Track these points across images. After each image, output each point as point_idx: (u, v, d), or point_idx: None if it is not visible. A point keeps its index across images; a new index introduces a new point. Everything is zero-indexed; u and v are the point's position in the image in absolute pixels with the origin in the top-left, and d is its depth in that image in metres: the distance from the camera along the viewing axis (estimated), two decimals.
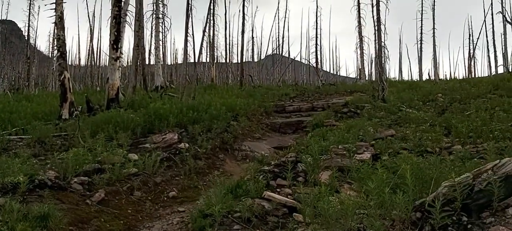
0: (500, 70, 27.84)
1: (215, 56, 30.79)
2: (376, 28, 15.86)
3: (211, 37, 29.22)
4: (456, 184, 3.29)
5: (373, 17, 16.76)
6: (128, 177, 6.19)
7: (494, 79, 17.79)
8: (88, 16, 31.09)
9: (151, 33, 24.70)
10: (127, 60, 32.40)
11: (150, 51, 26.47)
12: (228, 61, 32.71)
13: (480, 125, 7.84)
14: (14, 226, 3.82)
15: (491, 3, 26.42)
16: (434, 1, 28.92)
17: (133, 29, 18.44)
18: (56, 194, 5.06)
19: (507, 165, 3.35)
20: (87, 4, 36.22)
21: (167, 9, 22.60)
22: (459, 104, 11.60)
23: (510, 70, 22.25)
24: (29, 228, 3.85)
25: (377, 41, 15.81)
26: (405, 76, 36.60)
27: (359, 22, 25.26)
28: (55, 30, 12.15)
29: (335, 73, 44.72)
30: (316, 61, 29.79)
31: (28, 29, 28.90)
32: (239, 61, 27.02)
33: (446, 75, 34.82)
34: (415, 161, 4.75)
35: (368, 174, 4.49)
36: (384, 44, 15.76)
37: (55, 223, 4.13)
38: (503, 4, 26.16)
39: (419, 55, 31.06)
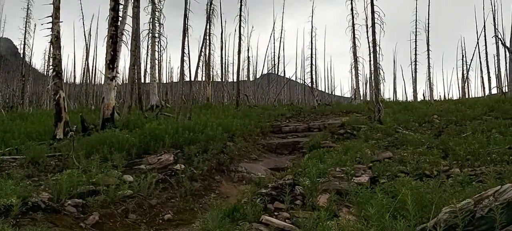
0: (494, 91, 28.13)
1: (211, 75, 30.87)
2: (371, 49, 15.95)
3: (207, 56, 29.33)
4: (458, 210, 3.24)
5: (367, 38, 16.90)
6: (123, 199, 6.12)
7: (489, 100, 17.89)
8: (84, 34, 31.27)
9: (147, 52, 24.79)
10: (123, 78, 32.52)
11: (146, 70, 26.54)
12: (224, 80, 32.85)
13: (478, 147, 7.80)
14: None
15: (484, 26, 26.86)
16: (428, 23, 29.26)
17: (129, 48, 18.52)
18: (50, 216, 4.98)
19: (509, 191, 3.30)
20: (83, 22, 36.15)
21: (163, 28, 22.70)
22: (456, 126, 11.64)
23: (504, 92, 22.45)
24: None
25: (372, 62, 15.89)
26: (400, 97, 36.88)
27: (354, 43, 25.46)
28: (51, 49, 12.10)
29: (330, 93, 45.04)
30: (311, 81, 29.89)
31: (24, 47, 29.22)
32: (235, 81, 27.10)
33: (440, 96, 35.16)
34: (414, 185, 4.69)
35: (367, 198, 4.44)
36: (379, 65, 15.86)
37: None
38: (496, 26, 26.60)
39: (414, 76, 31.33)
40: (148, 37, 22.42)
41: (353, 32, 25.24)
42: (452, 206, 3.32)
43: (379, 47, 15.73)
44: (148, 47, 23.79)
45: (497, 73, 28.70)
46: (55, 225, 4.82)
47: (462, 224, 3.19)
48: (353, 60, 26.47)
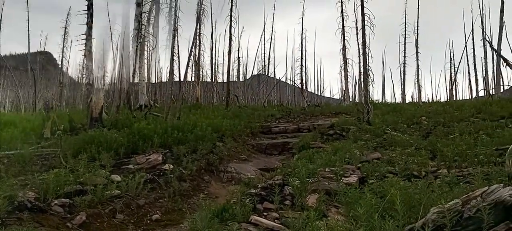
0: (481, 93, 28.43)
1: (201, 75, 30.75)
2: (361, 51, 16.11)
3: (197, 56, 29.25)
4: (446, 210, 3.24)
5: (357, 40, 17.10)
6: (110, 199, 6.06)
7: (477, 102, 18.09)
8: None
9: (136, 51, 24.58)
10: (111, 78, 32.29)
11: (134, 70, 26.29)
12: (213, 80, 32.71)
13: (465, 148, 7.85)
14: None
15: (472, 29, 27.14)
16: (417, 26, 29.57)
17: (118, 47, 18.40)
18: (36, 216, 4.92)
19: (496, 191, 3.31)
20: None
21: (152, 28, 22.55)
22: (443, 128, 11.74)
23: (491, 94, 22.69)
24: None
25: (362, 64, 16.06)
26: (388, 99, 37.08)
27: (344, 45, 25.66)
28: (84, 61, 13.14)
29: (319, 94, 45.08)
30: (301, 82, 29.98)
31: (62, 59, 33.81)
32: (225, 81, 27.04)
33: (428, 98, 35.47)
34: (402, 186, 4.69)
35: (356, 198, 4.45)
36: (369, 66, 15.97)
37: None
38: (484, 29, 26.88)
39: (402, 78, 31.70)
40: (137, 36, 22.20)
41: (343, 34, 25.42)
42: (440, 206, 3.33)
43: (369, 49, 15.92)
44: (137, 47, 23.60)
45: (484, 76, 29.00)
46: (41, 225, 4.76)
47: (450, 224, 3.20)
48: (343, 62, 26.67)
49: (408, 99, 31.85)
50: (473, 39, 28.07)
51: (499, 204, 3.18)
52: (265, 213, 5.10)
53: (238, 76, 36.00)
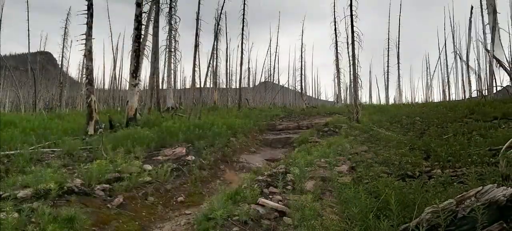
0: (453, 97, 28.18)
1: (218, 83, 30.87)
2: (351, 61, 15.99)
3: (214, 67, 29.38)
4: (440, 210, 2.86)
5: (348, 53, 17.02)
6: (143, 185, 6.09)
7: (469, 103, 16.71)
8: (112, 49, 31.85)
9: (164, 63, 24.72)
10: (144, 85, 32.48)
11: (163, 78, 26.45)
12: (228, 86, 32.83)
13: (459, 149, 6.86)
14: (45, 227, 3.72)
15: (445, 43, 27.03)
16: (398, 41, 29.48)
17: (149, 60, 18.49)
18: (82, 199, 4.95)
19: (490, 191, 2.92)
20: (111, 39, 36.75)
21: (178, 44, 22.67)
22: (437, 128, 10.56)
23: (483, 95, 21.84)
24: (58, 229, 3.74)
25: (352, 72, 15.91)
26: (374, 101, 36.85)
27: (337, 56, 25.46)
28: (84, 61, 12.10)
29: (316, 97, 44.98)
30: (301, 88, 29.95)
31: (62, 59, 29.56)
32: (237, 88, 27.08)
33: (408, 100, 35.16)
34: (397, 185, 4.20)
35: (350, 197, 3.87)
36: (358, 74, 15.86)
37: (80, 225, 4.02)
38: (455, 43, 26.82)
39: (386, 84, 31.54)
40: (166, 51, 22.30)
41: (336, 47, 25.23)
42: (434, 206, 2.96)
43: (358, 60, 15.74)
44: (165, 59, 23.72)
45: (455, 82, 28.75)
46: (86, 206, 4.79)
47: (444, 224, 2.82)
48: (336, 71, 26.47)
49: (391, 101, 31.72)
50: (445, 51, 28.07)
51: (493, 204, 2.82)
52: (270, 196, 5.08)
53: (248, 83, 36.07)
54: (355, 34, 15.61)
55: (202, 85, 25.09)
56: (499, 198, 2.81)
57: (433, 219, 2.86)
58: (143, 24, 13.77)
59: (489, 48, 21.56)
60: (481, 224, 2.70)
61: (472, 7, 23.59)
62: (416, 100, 32.72)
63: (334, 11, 24.69)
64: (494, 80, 20.99)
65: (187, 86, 37.90)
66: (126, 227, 4.76)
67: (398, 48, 29.73)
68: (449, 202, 2.98)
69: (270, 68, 37.79)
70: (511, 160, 4.85)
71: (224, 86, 33.67)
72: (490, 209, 2.77)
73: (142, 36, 14.30)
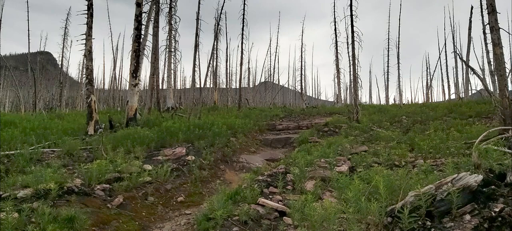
0: (453, 97, 28.18)
1: (218, 83, 30.87)
2: (351, 62, 16.00)
3: (214, 67, 29.38)
4: (421, 193, 3.28)
5: (348, 53, 17.00)
6: (143, 185, 6.09)
7: (448, 104, 17.91)
8: (112, 49, 31.70)
9: (164, 63, 24.75)
10: (144, 85, 32.52)
11: (163, 78, 26.47)
12: (228, 87, 32.81)
13: (439, 142, 7.81)
14: (45, 227, 3.72)
15: (445, 43, 26.98)
16: (398, 41, 29.38)
17: (149, 60, 18.49)
18: (82, 199, 4.95)
19: (464, 178, 3.36)
20: (111, 39, 36.68)
21: (178, 44, 22.66)
22: (421, 125, 11.63)
23: (460, 97, 22.45)
24: (58, 229, 3.74)
25: (352, 73, 15.90)
26: (374, 101, 36.89)
27: (337, 56, 25.42)
28: (84, 61, 12.10)
29: (316, 97, 44.95)
30: (301, 88, 29.91)
31: (62, 59, 29.59)
32: (237, 88, 27.08)
33: (408, 100, 35.20)
34: (385, 173, 4.67)
35: (346, 184, 4.43)
36: (358, 75, 15.86)
37: (80, 225, 4.02)
38: (455, 43, 26.69)
39: (386, 84, 31.48)
40: (166, 51, 22.31)
41: (336, 47, 25.21)
42: (417, 190, 3.37)
43: (358, 60, 15.73)
44: (165, 59, 23.74)
45: (455, 82, 28.72)
46: (86, 206, 4.79)
47: (425, 206, 3.26)
48: (336, 71, 26.43)
49: (391, 101, 31.71)
50: (446, 51, 28.09)
51: (466, 188, 3.26)
52: (270, 196, 5.09)
53: (248, 83, 36.07)
54: (355, 34, 15.61)
55: (202, 85, 25.11)
56: (472, 184, 3.30)
57: (415, 201, 3.30)
58: (143, 24, 13.77)
59: (465, 58, 22.16)
60: (456, 205, 3.17)
61: (472, 7, 23.57)
62: (416, 101, 32.70)
63: (334, 11, 24.65)
64: (470, 84, 21.79)
65: (187, 86, 37.94)
66: (126, 227, 4.76)
67: (398, 48, 29.63)
68: (429, 187, 3.43)
69: (270, 68, 38.00)
70: (482, 152, 5.54)
71: (224, 86, 33.69)
72: (464, 193, 3.26)
73: (142, 36, 14.29)
